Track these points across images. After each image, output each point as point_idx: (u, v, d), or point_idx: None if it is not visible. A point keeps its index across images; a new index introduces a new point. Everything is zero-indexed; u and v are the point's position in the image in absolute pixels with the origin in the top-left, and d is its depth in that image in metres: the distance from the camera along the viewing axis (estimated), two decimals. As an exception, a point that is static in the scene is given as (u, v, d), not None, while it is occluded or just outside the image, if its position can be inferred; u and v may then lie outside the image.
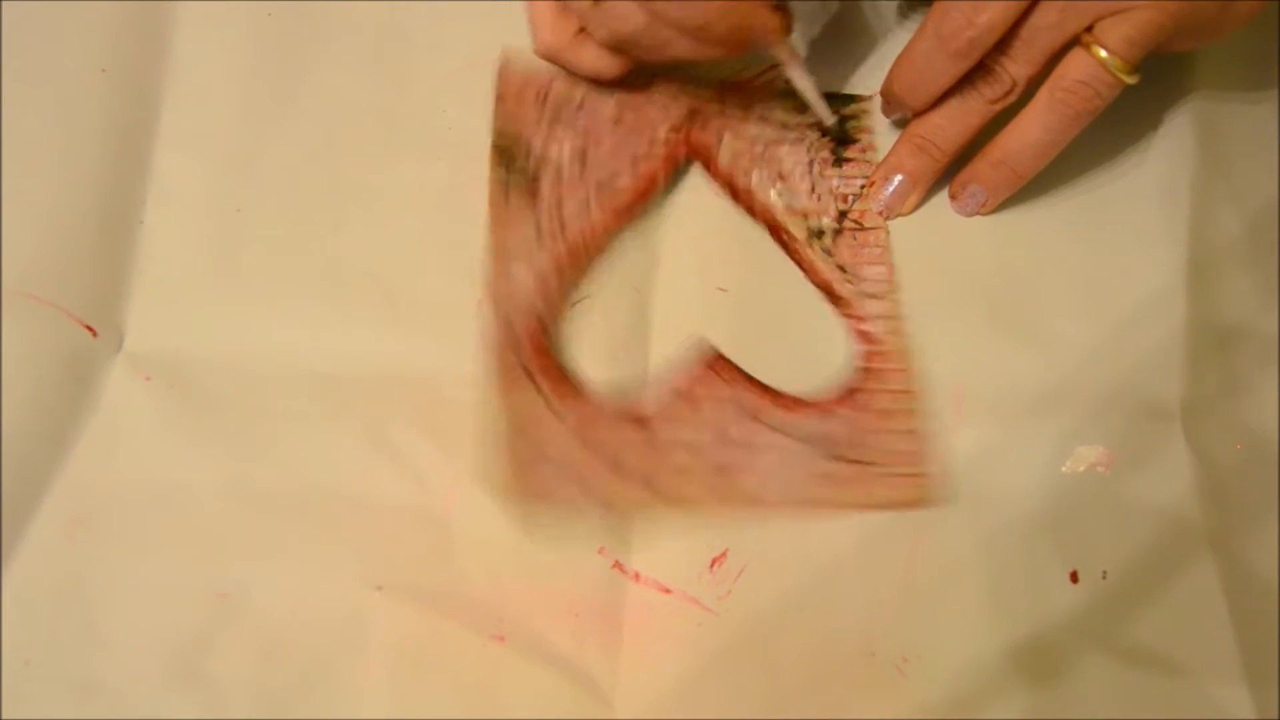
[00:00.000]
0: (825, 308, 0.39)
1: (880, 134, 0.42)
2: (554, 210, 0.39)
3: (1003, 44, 0.36)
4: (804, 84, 0.39)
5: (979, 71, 0.36)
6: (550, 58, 0.39)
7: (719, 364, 0.37)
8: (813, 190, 0.40)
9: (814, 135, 0.41)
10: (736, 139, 0.41)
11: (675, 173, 0.40)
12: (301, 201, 0.39)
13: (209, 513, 0.34)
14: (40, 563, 0.34)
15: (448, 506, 0.35)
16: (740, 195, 0.40)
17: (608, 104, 0.41)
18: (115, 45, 0.40)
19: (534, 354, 0.37)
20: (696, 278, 0.39)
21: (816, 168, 0.41)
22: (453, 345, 0.37)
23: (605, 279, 0.39)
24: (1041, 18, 0.35)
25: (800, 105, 0.42)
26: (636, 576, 0.35)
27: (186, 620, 0.33)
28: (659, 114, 0.41)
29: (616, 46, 0.37)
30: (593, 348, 0.38)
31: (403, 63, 0.42)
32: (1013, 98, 0.37)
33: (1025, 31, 0.35)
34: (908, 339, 0.38)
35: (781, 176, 0.41)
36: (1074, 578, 0.35)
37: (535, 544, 0.35)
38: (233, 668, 0.33)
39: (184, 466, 0.35)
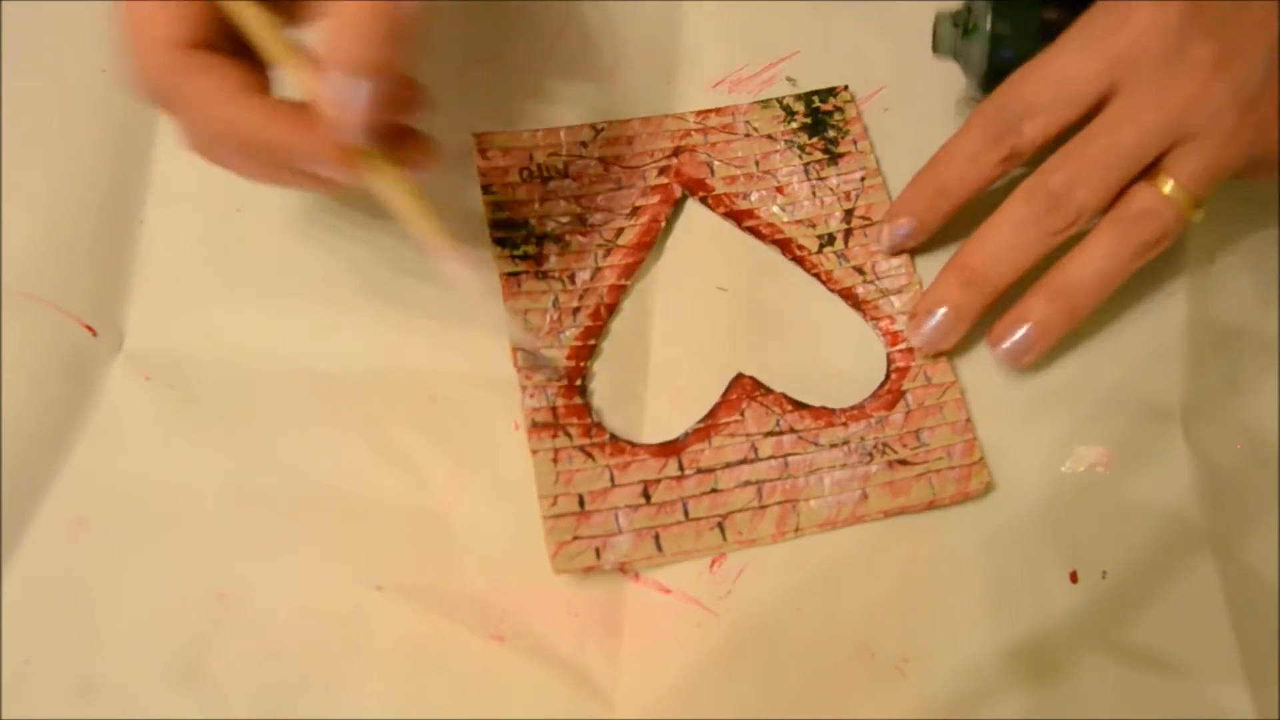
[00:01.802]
0: (828, 306, 0.39)
1: (870, 126, 0.42)
2: (566, 282, 0.38)
3: (1072, 167, 0.34)
4: (455, 269, 0.33)
5: (1041, 198, 0.35)
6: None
7: (756, 391, 0.37)
8: (814, 194, 0.40)
9: (803, 138, 0.41)
10: (727, 164, 0.41)
11: (674, 210, 0.40)
12: (301, 201, 0.39)
13: (209, 512, 0.34)
14: (40, 562, 0.34)
15: (447, 506, 0.35)
16: (744, 218, 0.40)
17: (591, 163, 0.40)
18: (115, 45, 0.40)
19: (570, 413, 0.36)
20: (697, 278, 0.39)
21: (813, 170, 0.41)
22: (453, 345, 0.37)
23: (614, 317, 0.39)
24: (1113, 141, 0.34)
25: (785, 111, 0.41)
26: (636, 577, 0.35)
27: (186, 620, 0.33)
28: (644, 159, 0.40)
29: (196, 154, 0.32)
30: (606, 385, 0.37)
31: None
32: (1075, 229, 0.35)
33: (1096, 154, 0.34)
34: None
35: (780, 189, 0.40)
36: (1074, 578, 0.35)
37: (535, 542, 0.34)
38: (232, 667, 0.32)
39: (184, 466, 0.35)
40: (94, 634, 0.33)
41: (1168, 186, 0.34)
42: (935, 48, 0.40)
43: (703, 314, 0.38)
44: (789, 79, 0.42)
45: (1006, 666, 0.33)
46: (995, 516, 0.36)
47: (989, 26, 0.38)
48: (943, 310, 0.36)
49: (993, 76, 0.37)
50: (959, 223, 0.38)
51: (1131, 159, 0.34)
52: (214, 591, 0.33)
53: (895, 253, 0.39)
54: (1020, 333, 0.36)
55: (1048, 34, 0.36)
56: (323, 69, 0.28)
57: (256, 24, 0.30)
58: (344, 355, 0.37)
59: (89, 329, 0.36)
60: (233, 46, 0.30)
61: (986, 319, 0.37)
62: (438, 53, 0.41)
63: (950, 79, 0.40)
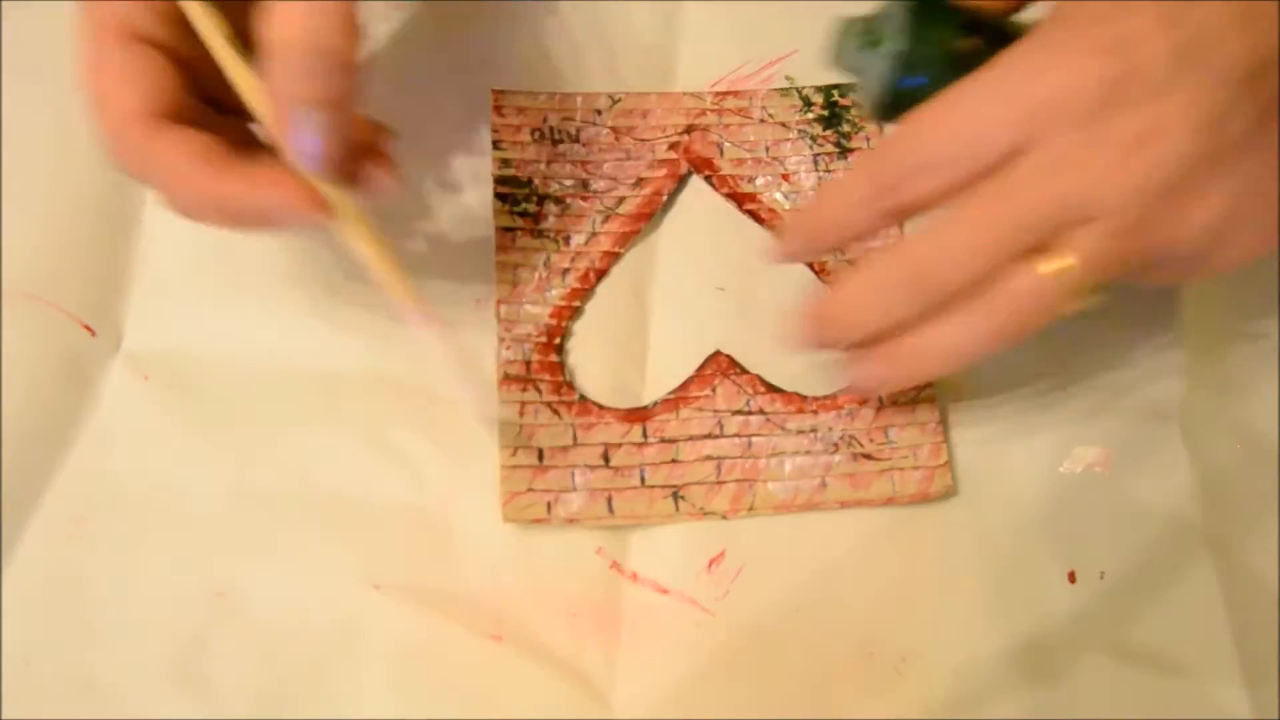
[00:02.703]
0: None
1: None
2: (561, 243, 0.39)
3: (958, 231, 0.29)
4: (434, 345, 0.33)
5: (915, 260, 0.30)
6: None
7: (731, 369, 0.37)
8: (819, 185, 0.40)
9: (817, 129, 0.41)
10: (737, 146, 0.41)
11: (677, 187, 0.40)
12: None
13: (207, 512, 0.34)
14: (39, 561, 0.34)
15: (446, 506, 0.35)
16: (745, 202, 0.40)
17: (604, 130, 0.40)
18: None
19: (543, 369, 0.37)
20: (695, 277, 0.39)
21: (821, 162, 0.41)
22: (451, 345, 0.37)
23: (604, 280, 0.39)
24: (1016, 206, 0.28)
25: (803, 101, 0.41)
26: (634, 576, 0.35)
27: (185, 619, 0.33)
28: (656, 133, 0.41)
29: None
30: (592, 348, 0.38)
31: (399, 63, 0.42)
32: (947, 293, 0.30)
33: (988, 218, 0.29)
34: None
35: (785, 177, 0.40)
36: (1072, 578, 0.35)
37: (533, 542, 0.35)
38: (231, 667, 0.33)
39: (182, 466, 0.35)
40: (93, 634, 0.33)
41: (1058, 266, 0.28)
42: (835, 58, 0.33)
43: (701, 313, 0.38)
44: (787, 79, 0.42)
45: (1005, 666, 0.34)
46: (993, 516, 0.36)
47: (895, 41, 0.31)
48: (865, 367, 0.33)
49: (892, 103, 0.32)
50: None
51: (1024, 230, 0.28)
52: (212, 591, 0.34)
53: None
54: (860, 373, 0.32)
55: (961, 63, 0.30)
56: (272, 100, 0.29)
57: (221, 49, 0.30)
58: (342, 355, 0.37)
59: (88, 329, 0.36)
60: (198, 109, 0.31)
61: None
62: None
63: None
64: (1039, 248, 0.29)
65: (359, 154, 0.31)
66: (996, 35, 0.31)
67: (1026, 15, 0.33)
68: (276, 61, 0.28)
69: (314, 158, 0.29)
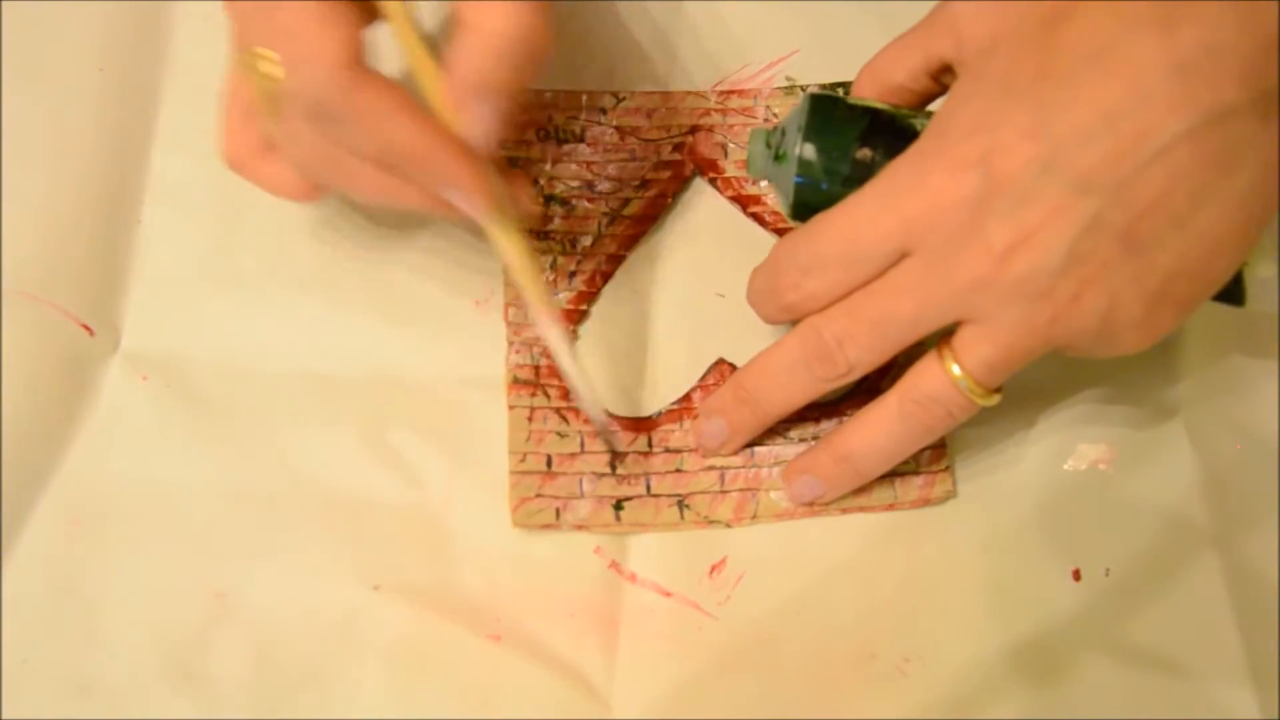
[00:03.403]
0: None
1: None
2: (567, 246, 0.39)
3: (848, 322, 0.32)
4: (560, 349, 0.34)
5: (814, 344, 0.32)
6: (233, 169, 0.34)
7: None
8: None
9: None
10: (741, 148, 0.40)
11: (682, 188, 0.40)
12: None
13: (206, 512, 0.34)
14: (38, 561, 0.34)
15: (445, 507, 0.35)
16: (749, 204, 0.40)
17: (608, 130, 0.40)
18: (113, 45, 0.40)
19: (552, 375, 0.37)
20: (696, 282, 0.39)
21: None
22: (451, 346, 0.37)
23: (607, 283, 0.39)
24: (894, 306, 0.31)
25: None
26: (633, 577, 0.35)
27: (183, 619, 0.33)
28: (661, 133, 0.40)
29: (303, 172, 0.33)
30: (593, 353, 0.37)
31: (400, 62, 0.42)
32: (848, 380, 0.32)
33: (874, 315, 0.31)
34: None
35: None
36: (1076, 576, 0.35)
37: (532, 542, 0.35)
38: (229, 667, 0.32)
39: (181, 466, 0.35)
40: (91, 633, 0.33)
41: (955, 372, 0.31)
42: (748, 168, 0.36)
43: (702, 319, 0.38)
44: (788, 79, 0.42)
45: (1009, 666, 0.33)
46: (997, 515, 0.35)
47: (798, 153, 0.33)
48: (719, 420, 0.35)
49: (800, 207, 0.34)
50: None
51: (909, 329, 0.31)
52: (211, 591, 0.33)
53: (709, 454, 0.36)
54: (806, 483, 0.35)
55: (860, 171, 0.33)
56: (458, 84, 0.30)
57: (406, 31, 0.31)
58: (341, 355, 0.37)
59: (86, 328, 0.36)
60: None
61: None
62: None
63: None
64: (939, 349, 0.31)
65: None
66: (892, 137, 0.33)
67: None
68: (480, 48, 0.29)
69: (489, 139, 0.31)
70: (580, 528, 0.35)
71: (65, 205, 0.38)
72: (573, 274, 0.38)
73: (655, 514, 0.35)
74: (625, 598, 0.34)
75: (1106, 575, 0.34)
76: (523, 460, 0.35)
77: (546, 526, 0.35)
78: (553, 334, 0.33)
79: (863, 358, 0.32)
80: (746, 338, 0.38)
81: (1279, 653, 0.33)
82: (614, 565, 0.35)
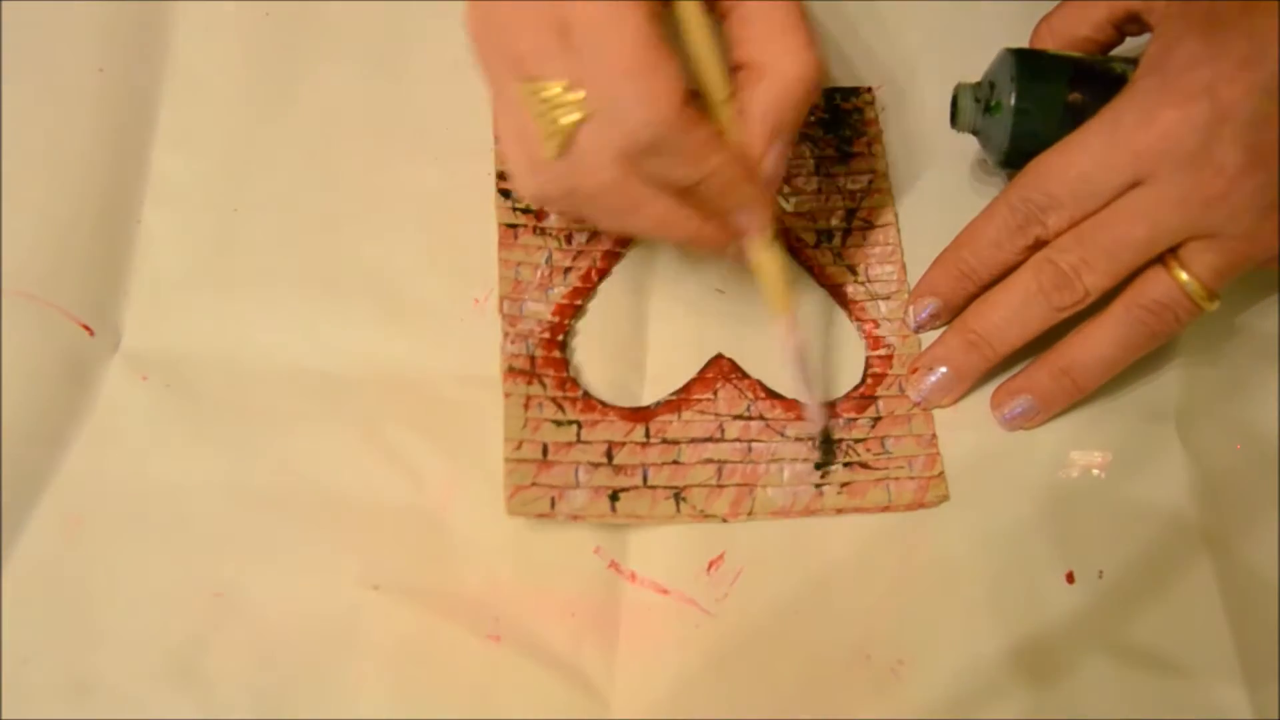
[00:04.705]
0: (823, 309, 0.39)
1: (887, 128, 0.42)
2: (563, 241, 0.39)
3: (1082, 250, 0.34)
4: (791, 357, 0.36)
5: (1050, 274, 0.35)
6: (545, 206, 0.38)
7: (733, 373, 0.37)
8: (820, 190, 0.40)
9: (818, 132, 0.41)
10: None
11: None
12: (298, 201, 0.39)
13: (205, 512, 0.34)
14: (37, 561, 0.33)
15: (444, 506, 0.35)
16: None
17: None
18: (113, 45, 0.40)
19: (547, 365, 0.37)
20: (694, 278, 0.39)
21: (823, 166, 0.41)
22: (450, 345, 0.37)
23: (604, 280, 0.39)
24: (1128, 231, 0.33)
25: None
26: (633, 577, 0.35)
27: (183, 619, 0.33)
28: None
29: (571, 208, 0.34)
30: (591, 348, 0.38)
31: (400, 62, 0.42)
32: (1082, 306, 0.35)
33: (1108, 242, 0.34)
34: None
35: (787, 180, 0.40)
36: (1070, 578, 0.35)
37: (532, 541, 0.35)
38: (229, 667, 0.32)
39: (180, 465, 0.35)
40: (91, 633, 0.33)
41: (1183, 277, 0.33)
42: (954, 122, 0.39)
43: (700, 315, 0.38)
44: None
45: (1004, 668, 0.33)
46: (992, 518, 0.36)
47: (1013, 103, 0.36)
48: (943, 369, 0.37)
49: (1015, 154, 0.37)
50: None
51: (1143, 250, 0.34)
52: (211, 591, 0.33)
53: (921, 332, 0.38)
54: (1020, 403, 0.36)
55: (1072, 115, 0.36)
56: (760, 127, 0.32)
57: (708, 58, 0.32)
58: (341, 355, 0.37)
59: (86, 328, 0.36)
60: None
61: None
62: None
63: (947, 80, 0.40)
64: (1165, 260, 0.34)
65: None
66: (1098, 82, 0.36)
67: (1123, 48, 0.38)
68: (779, 94, 0.32)
69: (780, 172, 0.33)
70: (575, 518, 0.35)
71: (65, 205, 0.38)
72: (568, 269, 0.38)
73: (651, 506, 0.35)
74: (625, 597, 0.34)
75: (1100, 577, 0.35)
76: (518, 448, 0.35)
77: (541, 516, 0.34)
78: (790, 344, 0.35)
79: (1099, 283, 0.34)
80: (743, 334, 0.38)
81: (1273, 652, 0.33)
82: (614, 565, 0.35)
